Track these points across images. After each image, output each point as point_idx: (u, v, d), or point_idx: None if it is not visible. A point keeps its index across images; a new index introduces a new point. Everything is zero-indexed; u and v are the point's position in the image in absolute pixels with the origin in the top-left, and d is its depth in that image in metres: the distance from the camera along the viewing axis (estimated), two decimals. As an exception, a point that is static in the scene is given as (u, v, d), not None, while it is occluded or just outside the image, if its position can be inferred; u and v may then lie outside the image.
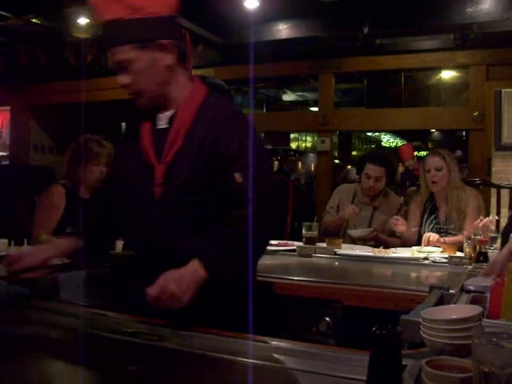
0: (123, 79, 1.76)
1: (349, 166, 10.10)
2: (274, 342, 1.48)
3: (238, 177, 1.72)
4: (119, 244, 2.74)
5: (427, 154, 4.02)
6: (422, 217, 3.70)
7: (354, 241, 3.80)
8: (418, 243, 3.49)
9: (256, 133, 1.88)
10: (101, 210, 2.04)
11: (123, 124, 7.89)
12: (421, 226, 3.69)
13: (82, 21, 5.15)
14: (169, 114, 1.83)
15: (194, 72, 1.95)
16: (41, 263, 1.86)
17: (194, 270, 1.63)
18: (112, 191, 2.03)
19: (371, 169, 3.92)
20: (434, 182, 3.58)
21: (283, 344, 1.47)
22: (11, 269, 1.82)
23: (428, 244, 3.36)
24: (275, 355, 1.41)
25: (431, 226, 3.63)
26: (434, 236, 3.39)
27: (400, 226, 3.63)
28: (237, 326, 1.52)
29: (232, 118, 1.80)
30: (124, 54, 1.71)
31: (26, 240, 2.47)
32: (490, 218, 3.18)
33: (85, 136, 3.40)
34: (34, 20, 5.25)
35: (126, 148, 1.98)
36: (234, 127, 1.77)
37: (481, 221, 3.08)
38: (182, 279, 1.60)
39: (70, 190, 3.32)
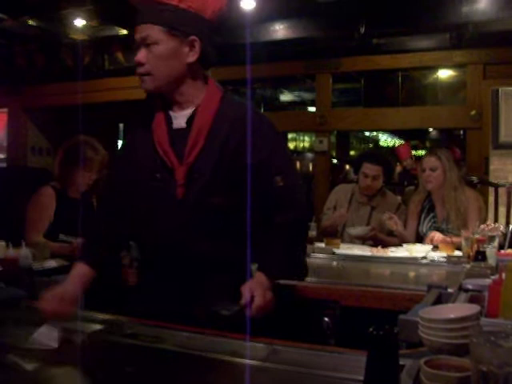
0: (140, 56, 1.75)
1: (347, 166, 10.09)
2: (272, 343, 1.48)
3: (278, 180, 1.74)
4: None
5: (425, 154, 4.02)
6: (420, 216, 3.70)
7: (352, 239, 3.80)
8: (416, 242, 3.49)
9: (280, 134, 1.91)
10: (112, 214, 1.92)
11: (121, 125, 7.91)
12: (419, 224, 3.69)
13: (79, 22, 5.13)
14: (186, 113, 1.81)
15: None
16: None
17: (264, 280, 1.69)
18: (122, 193, 1.92)
19: (368, 168, 3.92)
20: (428, 182, 3.59)
21: (281, 344, 1.47)
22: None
23: (431, 243, 3.35)
24: (273, 356, 1.41)
25: (429, 224, 3.64)
26: (438, 236, 3.37)
27: (393, 223, 3.62)
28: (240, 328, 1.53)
29: (257, 120, 1.79)
30: (153, 33, 1.72)
31: (23, 243, 2.46)
32: (496, 225, 3.18)
33: (78, 137, 3.38)
34: (30, 22, 5.23)
35: (137, 147, 1.89)
36: (261, 129, 1.77)
37: (487, 225, 3.08)
38: (263, 290, 1.65)
39: (59, 191, 3.31)
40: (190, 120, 1.79)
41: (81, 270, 1.81)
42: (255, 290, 1.63)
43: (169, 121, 1.83)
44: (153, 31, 1.71)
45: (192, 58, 1.76)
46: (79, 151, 3.26)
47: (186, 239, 1.76)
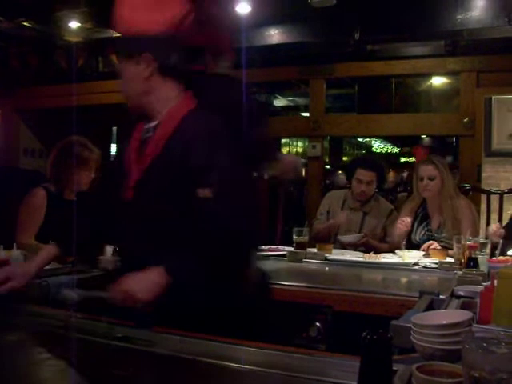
0: (119, 85, 1.93)
1: (340, 172, 10.10)
2: (265, 348, 1.48)
3: (201, 192, 1.71)
4: (108, 249, 2.73)
5: (421, 161, 4.00)
6: (413, 223, 3.68)
7: (344, 246, 3.80)
8: (406, 249, 3.49)
9: (245, 153, 1.88)
10: (89, 212, 2.09)
11: (114, 128, 7.91)
12: (411, 232, 3.67)
13: (73, 24, 5.13)
14: (153, 124, 1.89)
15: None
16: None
17: (156, 273, 1.65)
18: (100, 193, 2.11)
19: (362, 174, 3.93)
20: (426, 190, 3.57)
21: (273, 349, 1.47)
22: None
23: (427, 252, 3.34)
24: (265, 360, 1.40)
25: (422, 232, 3.63)
26: (436, 246, 3.35)
27: (401, 226, 3.61)
28: (229, 332, 1.53)
29: (210, 133, 1.79)
30: (119, 63, 1.92)
31: (15, 245, 2.45)
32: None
33: (70, 138, 3.36)
34: (24, 23, 5.22)
35: (119, 152, 2.04)
36: (207, 141, 1.77)
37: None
38: (142, 281, 1.64)
39: (51, 192, 3.29)
40: (154, 130, 1.88)
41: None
42: (125, 280, 1.65)
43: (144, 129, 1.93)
44: (119, 62, 1.92)
45: (147, 72, 1.84)
46: (73, 151, 3.25)
47: (137, 243, 1.83)
